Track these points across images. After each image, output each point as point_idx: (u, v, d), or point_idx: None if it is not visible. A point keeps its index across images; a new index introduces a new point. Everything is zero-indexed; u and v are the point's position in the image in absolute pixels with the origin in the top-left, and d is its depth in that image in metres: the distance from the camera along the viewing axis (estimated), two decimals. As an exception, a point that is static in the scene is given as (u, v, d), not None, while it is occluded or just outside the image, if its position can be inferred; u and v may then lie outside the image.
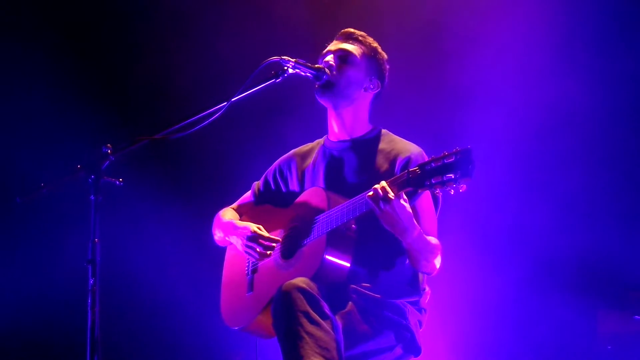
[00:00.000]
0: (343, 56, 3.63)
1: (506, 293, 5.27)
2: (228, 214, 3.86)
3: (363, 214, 3.22)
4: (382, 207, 3.10)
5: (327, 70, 3.58)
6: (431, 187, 2.99)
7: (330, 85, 3.58)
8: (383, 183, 3.13)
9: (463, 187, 2.93)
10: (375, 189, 3.12)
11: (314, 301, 3.12)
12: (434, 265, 3.39)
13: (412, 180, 3.06)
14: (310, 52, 3.78)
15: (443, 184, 2.95)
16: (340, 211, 3.29)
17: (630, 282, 5.04)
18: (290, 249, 3.50)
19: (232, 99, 3.32)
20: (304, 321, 3.07)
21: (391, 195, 3.09)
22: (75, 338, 3.49)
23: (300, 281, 3.16)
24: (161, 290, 5.50)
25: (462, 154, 2.91)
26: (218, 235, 3.85)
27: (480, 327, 5.28)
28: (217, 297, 3.81)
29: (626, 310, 4.91)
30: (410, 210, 3.18)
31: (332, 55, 3.64)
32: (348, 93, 3.61)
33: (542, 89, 5.30)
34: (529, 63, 5.35)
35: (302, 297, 3.11)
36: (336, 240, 3.30)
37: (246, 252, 3.60)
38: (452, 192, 2.95)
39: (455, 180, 2.92)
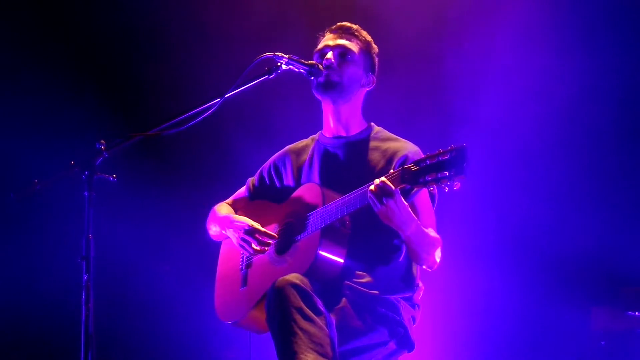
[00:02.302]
0: (343, 53, 3.61)
1: (499, 289, 5.28)
2: (224, 209, 3.85)
3: (358, 209, 3.22)
4: (385, 201, 3.11)
5: (320, 66, 3.56)
6: (425, 184, 3.00)
7: (333, 84, 3.56)
8: (383, 178, 3.13)
9: (457, 185, 2.93)
10: (377, 184, 3.12)
11: (307, 297, 3.12)
12: (435, 259, 3.39)
13: (407, 177, 3.07)
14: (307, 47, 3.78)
15: (437, 181, 2.96)
16: (334, 207, 3.29)
17: (623, 278, 5.06)
18: (284, 244, 3.50)
19: (226, 95, 3.31)
20: (298, 317, 3.07)
21: (393, 188, 3.09)
22: (70, 334, 3.49)
23: (294, 277, 3.17)
24: (155, 285, 5.50)
25: (456, 151, 2.92)
26: (213, 229, 3.84)
27: (473, 323, 5.29)
28: (210, 292, 3.81)
29: (619, 306, 4.92)
30: (406, 203, 3.18)
31: (331, 52, 3.61)
32: (349, 91, 3.60)
33: (539, 84, 5.30)
34: (526, 59, 5.35)
35: (295, 293, 3.11)
36: (330, 235, 3.31)
37: (241, 245, 3.59)
38: (447, 189, 2.96)
39: (449, 178, 2.92)
